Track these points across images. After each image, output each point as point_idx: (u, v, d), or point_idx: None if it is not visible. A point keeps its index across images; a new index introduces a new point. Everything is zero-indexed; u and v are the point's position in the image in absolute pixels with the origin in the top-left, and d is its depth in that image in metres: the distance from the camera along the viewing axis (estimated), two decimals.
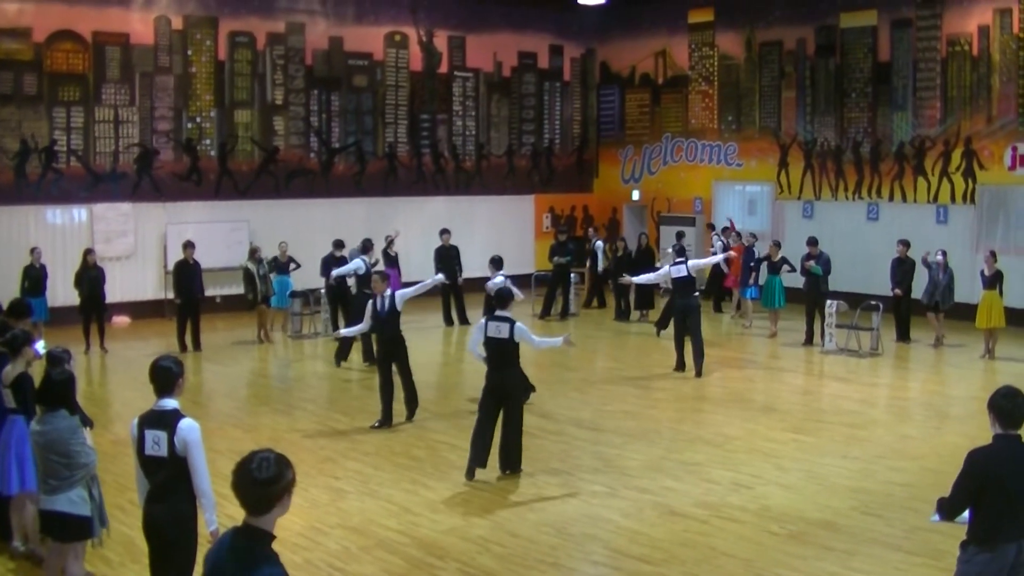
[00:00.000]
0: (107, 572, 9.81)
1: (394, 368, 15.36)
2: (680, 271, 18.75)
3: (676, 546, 10.53)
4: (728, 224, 27.46)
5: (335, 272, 21.10)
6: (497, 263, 17.95)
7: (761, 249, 24.29)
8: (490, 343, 12.76)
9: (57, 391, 8.63)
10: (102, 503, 8.99)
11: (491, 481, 12.73)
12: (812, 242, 22.32)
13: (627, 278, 20.56)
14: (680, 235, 25.91)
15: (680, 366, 19.05)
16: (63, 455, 8.46)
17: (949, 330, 21.67)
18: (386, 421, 15.26)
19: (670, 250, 20.98)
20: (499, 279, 16.95)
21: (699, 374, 18.65)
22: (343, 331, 16.97)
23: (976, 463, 7.12)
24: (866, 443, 14.46)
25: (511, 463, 12.91)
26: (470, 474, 12.72)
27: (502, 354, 12.71)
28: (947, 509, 7.33)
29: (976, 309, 20.49)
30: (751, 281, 23.94)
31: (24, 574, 9.76)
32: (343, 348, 20.02)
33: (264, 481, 4.95)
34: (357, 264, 20.64)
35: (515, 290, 14.40)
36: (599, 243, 27.32)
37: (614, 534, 10.93)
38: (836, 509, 11.66)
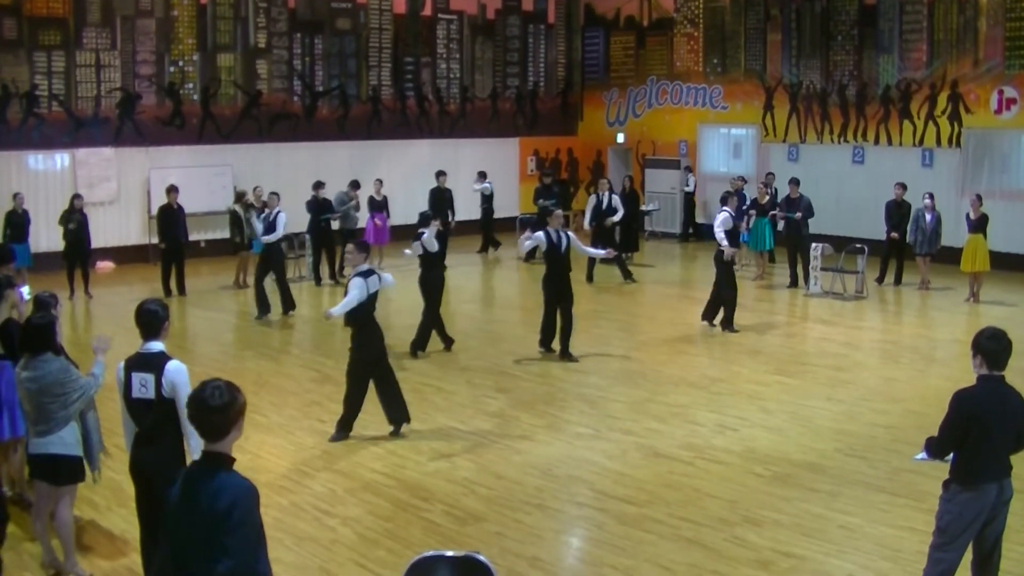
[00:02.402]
0: (94, 516, 9.85)
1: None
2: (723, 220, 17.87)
3: (661, 487, 10.61)
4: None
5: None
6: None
7: (751, 192, 24.27)
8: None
9: (39, 336, 8.57)
10: (98, 427, 9.01)
11: (474, 423, 12.78)
12: (794, 182, 22.27)
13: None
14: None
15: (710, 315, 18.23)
16: (59, 395, 8.42)
17: (934, 274, 21.72)
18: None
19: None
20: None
21: (727, 327, 17.94)
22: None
23: (961, 404, 7.17)
24: (850, 385, 14.54)
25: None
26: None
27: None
28: (935, 449, 7.41)
29: (961, 253, 20.53)
30: (744, 226, 23.84)
31: (12, 519, 9.76)
32: (278, 300, 19.73)
33: (219, 407, 5.21)
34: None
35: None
36: (486, 184, 26.97)
37: (599, 476, 10.99)
38: (820, 451, 11.74)
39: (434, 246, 16.09)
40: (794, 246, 21.93)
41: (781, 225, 22.33)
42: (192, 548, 5.14)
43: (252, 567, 5.18)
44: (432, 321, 16.35)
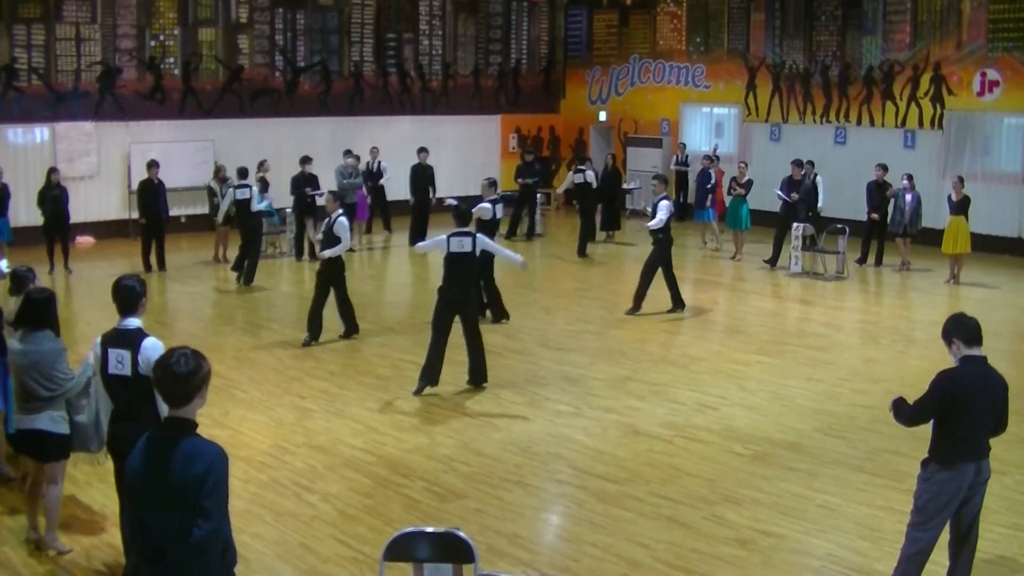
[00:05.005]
0: (75, 492, 9.80)
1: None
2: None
3: (641, 465, 10.62)
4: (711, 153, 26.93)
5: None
6: (493, 184, 17.48)
7: (726, 171, 24.29)
8: (452, 259, 12.85)
9: (39, 311, 8.46)
10: (99, 419, 8.88)
11: (455, 400, 12.78)
12: (797, 163, 22.14)
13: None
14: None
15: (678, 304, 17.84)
16: (46, 377, 8.35)
17: (915, 255, 21.73)
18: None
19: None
20: (487, 205, 16.69)
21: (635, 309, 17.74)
22: (327, 252, 15.31)
23: (943, 384, 7.22)
24: (830, 366, 14.58)
25: (477, 378, 13.30)
26: (419, 391, 13.02)
27: (461, 269, 12.94)
28: (906, 418, 7.49)
29: (942, 234, 20.57)
30: (708, 203, 23.96)
31: None
32: (245, 267, 20.10)
33: (185, 375, 5.24)
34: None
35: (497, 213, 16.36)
36: (383, 164, 25.89)
37: (579, 453, 11.00)
38: (800, 430, 11.77)
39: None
40: (785, 227, 21.79)
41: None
42: (165, 514, 5.14)
43: (224, 528, 5.25)
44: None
